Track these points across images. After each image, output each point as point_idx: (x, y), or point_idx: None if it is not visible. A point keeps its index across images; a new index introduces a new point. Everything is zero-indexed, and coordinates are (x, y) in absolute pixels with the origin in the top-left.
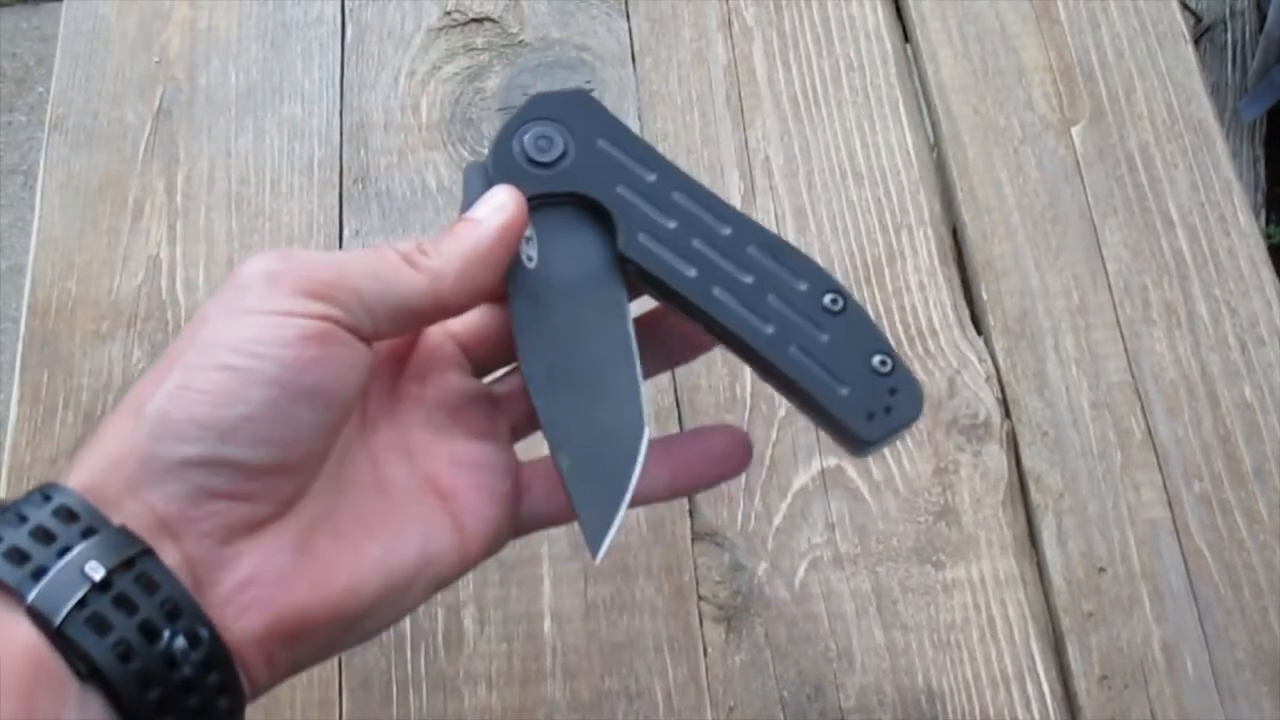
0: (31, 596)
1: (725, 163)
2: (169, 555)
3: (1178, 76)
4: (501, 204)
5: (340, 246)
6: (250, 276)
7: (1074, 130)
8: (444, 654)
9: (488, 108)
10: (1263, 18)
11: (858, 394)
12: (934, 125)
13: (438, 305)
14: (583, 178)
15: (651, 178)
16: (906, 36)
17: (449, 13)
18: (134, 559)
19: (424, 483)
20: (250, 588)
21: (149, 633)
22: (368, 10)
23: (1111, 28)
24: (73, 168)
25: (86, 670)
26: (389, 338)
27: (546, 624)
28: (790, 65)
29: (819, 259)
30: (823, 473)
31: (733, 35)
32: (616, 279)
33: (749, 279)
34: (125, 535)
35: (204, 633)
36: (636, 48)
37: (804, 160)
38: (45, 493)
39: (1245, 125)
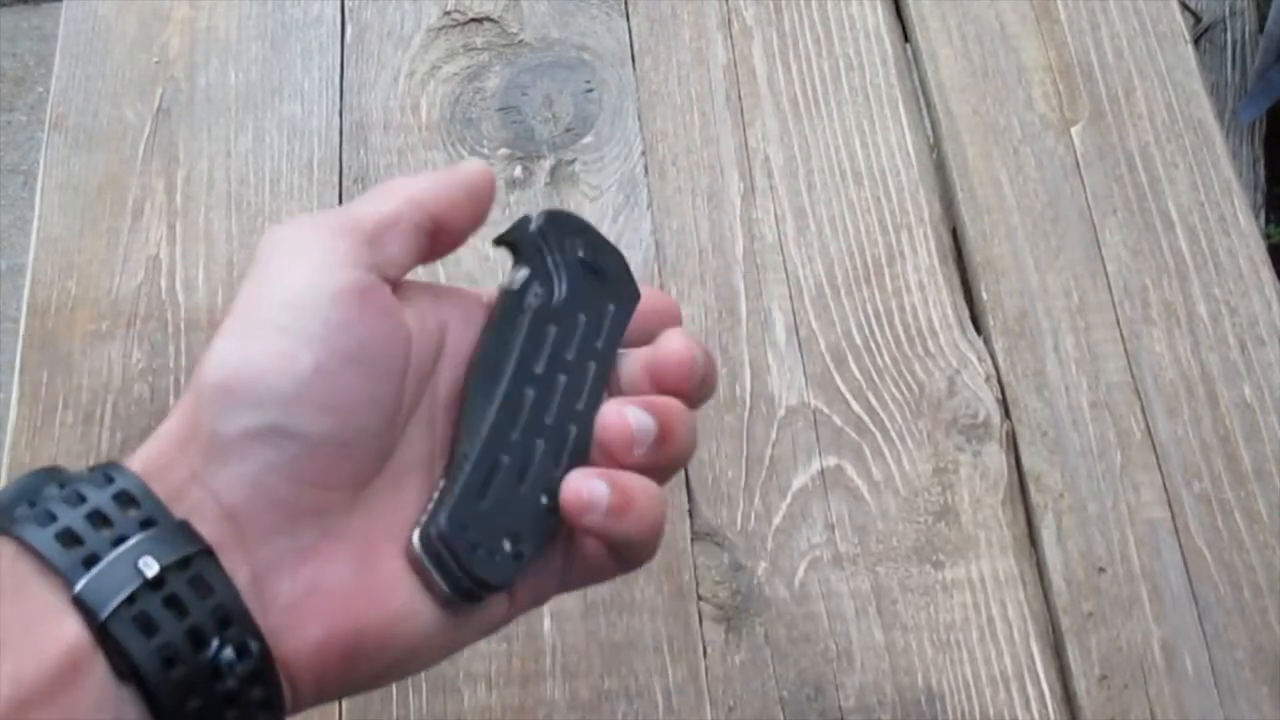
0: (79, 586)
1: (725, 163)
2: (233, 557)
3: (1178, 76)
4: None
5: None
6: (275, 240)
7: (1074, 130)
8: None
9: (488, 107)
10: (1263, 18)
11: (477, 526)
12: (934, 125)
13: (425, 214)
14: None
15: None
16: (906, 36)
17: (449, 12)
18: (191, 558)
19: None
20: (312, 596)
21: (196, 639)
22: (367, 10)
23: (1111, 28)
24: (72, 168)
25: (126, 670)
26: (402, 269)
27: (546, 624)
28: (790, 65)
29: (819, 259)
30: (822, 473)
31: (733, 35)
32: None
33: (543, 395)
34: (185, 531)
35: (254, 645)
36: (636, 48)
37: (804, 160)
38: (107, 473)
39: (1245, 125)
